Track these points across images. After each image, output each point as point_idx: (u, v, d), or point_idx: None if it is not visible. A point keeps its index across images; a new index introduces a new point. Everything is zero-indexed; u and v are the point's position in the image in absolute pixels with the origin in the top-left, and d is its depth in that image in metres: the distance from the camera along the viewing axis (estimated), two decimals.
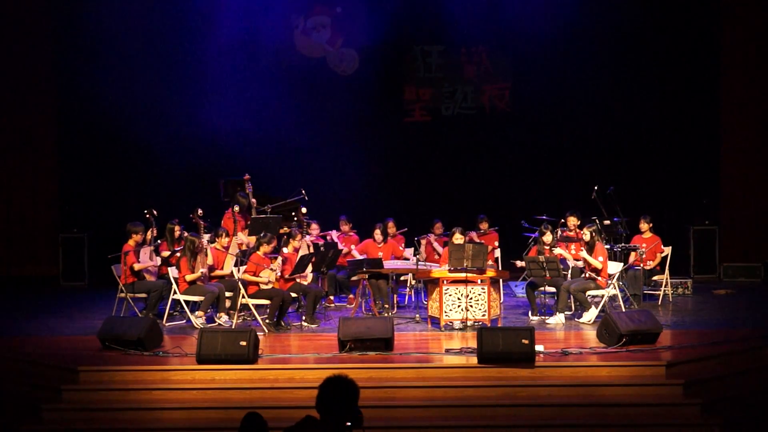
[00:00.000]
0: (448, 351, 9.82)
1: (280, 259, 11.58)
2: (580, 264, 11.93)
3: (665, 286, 13.25)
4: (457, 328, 11.06)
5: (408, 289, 13.72)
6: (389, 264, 12.31)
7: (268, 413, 5.93)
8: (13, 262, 16.49)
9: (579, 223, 12.72)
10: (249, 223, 12.76)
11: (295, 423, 4.90)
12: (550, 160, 16.41)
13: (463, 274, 11.05)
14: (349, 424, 4.80)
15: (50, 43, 16.48)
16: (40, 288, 15.61)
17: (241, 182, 13.35)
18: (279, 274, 11.49)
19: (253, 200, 13.20)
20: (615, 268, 11.95)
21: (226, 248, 11.93)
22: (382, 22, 16.45)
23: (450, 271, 11.18)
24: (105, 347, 9.96)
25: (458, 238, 11.78)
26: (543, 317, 11.74)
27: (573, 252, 12.32)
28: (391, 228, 13.29)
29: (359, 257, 12.87)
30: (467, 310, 10.98)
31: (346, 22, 16.57)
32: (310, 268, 11.78)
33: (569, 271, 12.04)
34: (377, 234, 13.08)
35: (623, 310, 11.52)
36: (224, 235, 11.87)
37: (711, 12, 16.29)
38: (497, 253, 14.06)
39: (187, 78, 16.20)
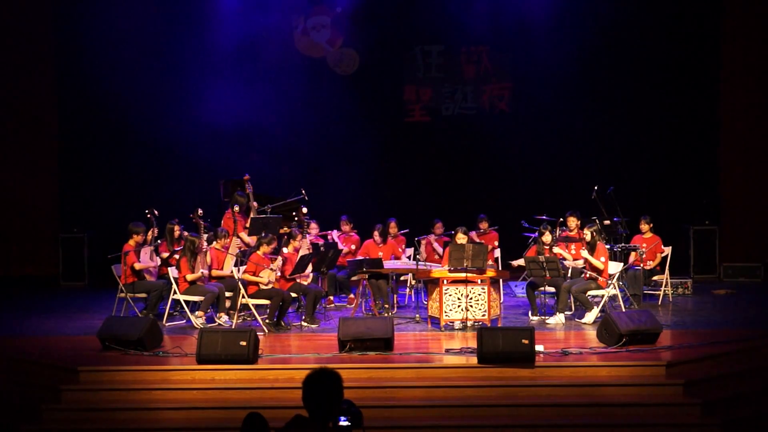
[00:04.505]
0: (448, 351, 9.82)
1: (279, 259, 11.58)
2: (580, 264, 11.93)
3: (665, 286, 13.25)
4: (457, 328, 11.06)
5: (408, 289, 13.73)
6: (389, 264, 12.31)
7: (268, 413, 5.92)
8: (13, 262, 16.49)
9: (579, 223, 12.71)
10: (249, 223, 12.77)
11: (285, 423, 4.90)
12: (550, 160, 16.41)
13: (463, 274, 11.06)
14: (348, 423, 4.79)
15: (51, 42, 16.50)
16: (40, 288, 15.62)
17: (240, 182, 13.36)
18: (279, 274, 11.49)
19: (254, 203, 13.20)
20: (615, 268, 11.95)
21: (226, 248, 11.93)
22: (382, 21, 16.48)
23: (450, 271, 11.18)
24: (105, 347, 9.96)
25: (461, 238, 11.77)
26: (543, 317, 11.74)
27: (573, 252, 12.31)
28: (393, 228, 13.27)
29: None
30: (467, 310, 10.98)
31: (346, 22, 16.57)
32: (310, 268, 11.78)
33: (569, 272, 12.03)
34: (376, 235, 13.08)
35: (623, 310, 11.51)
36: (225, 235, 11.87)
37: (711, 13, 16.30)
38: (497, 253, 14.06)
39: (187, 78, 16.22)
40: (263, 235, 11.68)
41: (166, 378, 9.29)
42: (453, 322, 11.08)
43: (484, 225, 14.12)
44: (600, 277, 11.59)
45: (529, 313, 11.92)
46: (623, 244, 13.20)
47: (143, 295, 11.75)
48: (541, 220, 13.40)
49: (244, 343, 9.25)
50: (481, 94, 16.84)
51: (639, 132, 16.45)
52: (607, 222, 13.34)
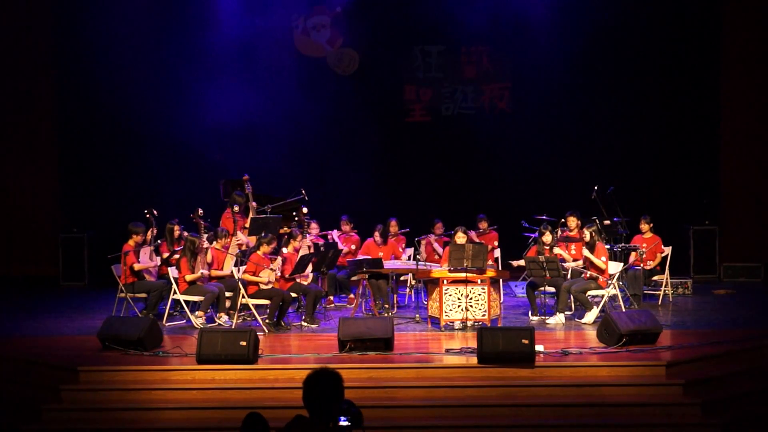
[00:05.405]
0: (448, 351, 9.82)
1: (279, 259, 11.58)
2: (580, 264, 11.92)
3: (665, 286, 13.25)
4: (457, 328, 11.06)
5: (408, 289, 13.73)
6: (389, 264, 12.31)
7: (268, 413, 5.92)
8: (13, 262, 16.49)
9: (579, 223, 12.71)
10: (248, 223, 12.77)
11: (285, 424, 4.90)
12: (550, 160, 16.40)
13: (463, 274, 11.05)
14: (348, 423, 4.79)
15: (51, 42, 16.49)
16: (40, 288, 15.61)
17: (240, 182, 13.37)
18: (279, 274, 11.49)
19: (253, 203, 13.21)
20: (615, 268, 11.95)
21: (226, 248, 11.93)
22: (382, 21, 16.48)
23: (450, 271, 11.17)
24: (105, 347, 9.97)
25: (461, 237, 11.77)
26: (543, 317, 11.74)
27: (573, 252, 12.31)
28: (393, 227, 13.25)
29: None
30: (467, 310, 10.97)
31: (346, 22, 16.57)
32: (310, 268, 11.78)
33: (569, 272, 12.02)
34: (377, 235, 13.07)
35: (623, 310, 11.51)
36: (225, 235, 11.86)
37: (711, 13, 16.29)
38: (497, 252, 14.05)
39: (187, 78, 16.20)
40: (263, 235, 11.68)
41: (166, 378, 9.29)
42: (453, 322, 11.08)
43: (483, 225, 14.11)
44: (600, 277, 11.59)
45: (529, 313, 11.92)
46: (623, 244, 13.19)
47: (143, 295, 11.75)
48: (541, 220, 13.40)
49: (244, 343, 9.25)
50: (481, 94, 16.83)
51: (639, 132, 16.44)
52: (607, 222, 13.33)
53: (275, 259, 11.59)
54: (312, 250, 12.47)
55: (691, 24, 16.29)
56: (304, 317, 11.49)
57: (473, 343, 9.61)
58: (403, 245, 13.58)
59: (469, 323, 10.96)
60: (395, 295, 12.81)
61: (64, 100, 16.57)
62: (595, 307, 11.54)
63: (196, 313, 11.36)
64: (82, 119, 16.51)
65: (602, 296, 11.64)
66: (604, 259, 11.61)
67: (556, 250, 12.00)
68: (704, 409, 8.72)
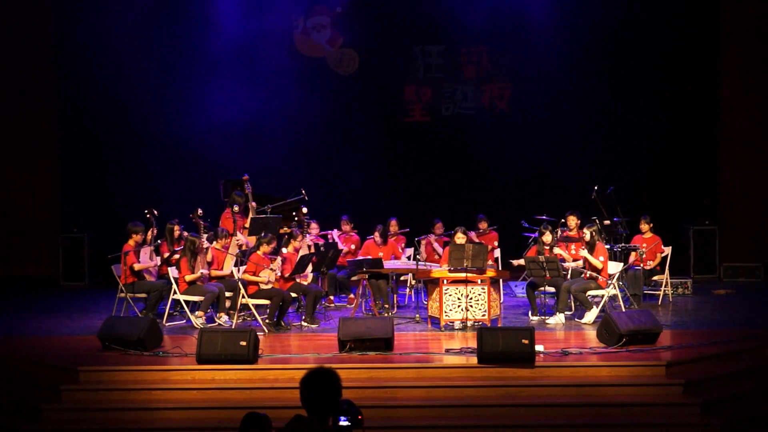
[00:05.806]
0: (448, 351, 9.82)
1: (279, 259, 11.58)
2: (580, 264, 11.92)
3: (665, 286, 13.25)
4: (457, 328, 11.06)
5: (408, 289, 13.73)
6: (389, 264, 12.31)
7: (268, 413, 5.91)
8: (13, 262, 16.49)
9: (579, 223, 12.71)
10: (248, 223, 12.78)
11: (285, 424, 4.90)
12: (550, 160, 16.40)
13: (463, 274, 11.05)
14: (348, 423, 4.79)
15: (51, 42, 16.49)
16: (40, 288, 15.62)
17: (239, 182, 13.37)
18: (279, 274, 11.49)
19: (253, 203, 13.21)
20: (615, 268, 11.95)
21: (226, 248, 11.93)
22: (382, 22, 16.48)
23: (450, 271, 11.17)
24: (105, 347, 9.97)
25: (460, 237, 11.77)
26: (543, 317, 11.74)
27: (573, 252, 12.31)
28: (393, 227, 13.26)
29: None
30: (467, 310, 10.97)
31: (346, 22, 16.57)
32: (310, 268, 11.78)
33: (569, 272, 12.02)
34: (377, 235, 13.07)
35: (623, 310, 11.51)
36: (225, 235, 11.87)
37: (711, 13, 16.30)
38: (497, 253, 14.05)
39: (187, 78, 16.22)
40: (263, 235, 11.68)
41: (166, 378, 9.29)
42: (453, 322, 11.08)
43: (483, 225, 14.10)
44: (600, 277, 11.59)
45: (529, 313, 11.92)
46: (623, 244, 13.20)
47: (143, 295, 11.75)
48: (541, 220, 13.40)
49: (244, 343, 9.25)
50: (481, 94, 16.83)
51: (639, 132, 16.45)
52: (607, 222, 13.34)
53: (275, 259, 11.59)
54: (312, 250, 12.47)
55: (691, 25, 16.29)
56: (304, 317, 11.49)
57: (473, 343, 9.61)
58: (403, 245, 13.58)
59: (469, 323, 10.96)
60: (395, 295, 12.81)
61: (64, 99, 16.58)
62: (595, 307, 11.54)
63: (196, 313, 11.36)
64: (82, 119, 16.51)
65: (602, 296, 11.65)
66: (602, 258, 11.61)
67: (556, 250, 12.00)
68: (704, 409, 8.71)
